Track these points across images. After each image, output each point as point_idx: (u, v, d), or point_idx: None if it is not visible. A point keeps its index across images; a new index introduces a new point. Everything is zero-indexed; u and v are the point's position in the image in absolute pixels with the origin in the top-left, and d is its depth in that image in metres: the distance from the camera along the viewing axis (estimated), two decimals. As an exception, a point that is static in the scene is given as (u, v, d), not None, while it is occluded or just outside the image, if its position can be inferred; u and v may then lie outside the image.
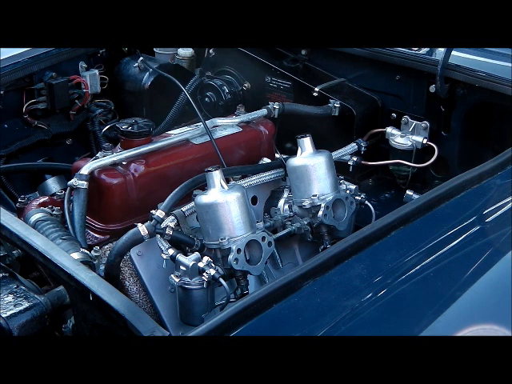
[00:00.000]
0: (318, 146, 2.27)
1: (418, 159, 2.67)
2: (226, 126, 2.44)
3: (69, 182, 2.11)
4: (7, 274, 1.78)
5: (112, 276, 1.92)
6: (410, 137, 2.67)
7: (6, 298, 1.66)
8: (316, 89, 2.79)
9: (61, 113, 2.91)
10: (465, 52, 2.65)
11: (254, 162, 2.42)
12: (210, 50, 3.07)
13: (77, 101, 2.92)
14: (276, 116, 2.60)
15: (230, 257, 1.92)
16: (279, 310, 1.46)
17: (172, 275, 1.91)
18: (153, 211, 1.98)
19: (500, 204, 1.86)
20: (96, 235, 2.15)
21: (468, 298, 1.54)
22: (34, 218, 2.02)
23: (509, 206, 1.84)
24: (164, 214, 1.97)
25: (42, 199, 2.17)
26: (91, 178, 2.10)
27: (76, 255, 1.82)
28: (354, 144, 2.62)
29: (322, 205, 2.16)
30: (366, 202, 2.34)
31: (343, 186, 2.30)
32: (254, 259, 1.98)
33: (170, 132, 2.41)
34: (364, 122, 2.77)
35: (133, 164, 2.17)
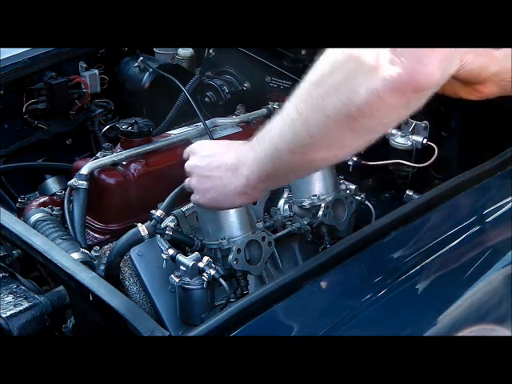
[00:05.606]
0: (318, 145, 2.27)
1: (418, 159, 2.66)
2: (226, 125, 2.44)
3: (69, 182, 2.10)
4: (7, 274, 1.77)
5: (112, 276, 1.92)
6: (410, 137, 2.66)
7: (6, 298, 1.66)
8: (316, 89, 2.79)
9: (61, 113, 2.91)
10: (465, 52, 2.65)
11: (254, 162, 2.42)
12: (210, 50, 3.07)
13: (77, 101, 2.91)
14: (276, 116, 2.59)
15: (230, 257, 1.91)
16: (279, 310, 1.46)
17: (172, 275, 1.90)
18: (153, 211, 1.98)
19: (500, 204, 1.86)
20: (96, 235, 2.15)
21: (468, 298, 1.54)
22: (33, 218, 2.02)
23: (509, 205, 1.84)
24: (164, 213, 1.97)
25: (42, 199, 2.17)
26: (91, 177, 2.10)
27: (76, 255, 1.82)
28: (354, 144, 2.61)
29: (322, 205, 2.16)
30: (366, 201, 2.34)
31: (343, 186, 2.29)
32: (253, 259, 1.98)
33: (170, 132, 2.41)
34: (364, 121, 2.76)
35: (133, 164, 2.17)
